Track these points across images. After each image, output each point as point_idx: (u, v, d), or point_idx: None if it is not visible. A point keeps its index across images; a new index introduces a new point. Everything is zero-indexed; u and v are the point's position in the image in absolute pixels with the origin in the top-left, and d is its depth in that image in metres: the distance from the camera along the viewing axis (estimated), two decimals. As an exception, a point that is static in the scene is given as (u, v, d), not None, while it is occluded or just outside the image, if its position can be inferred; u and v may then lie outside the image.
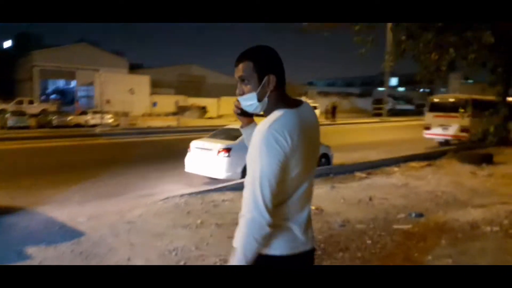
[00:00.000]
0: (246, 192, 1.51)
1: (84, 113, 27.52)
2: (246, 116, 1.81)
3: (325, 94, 47.59)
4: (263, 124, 1.49)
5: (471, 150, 12.77)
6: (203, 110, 37.48)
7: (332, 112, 34.79)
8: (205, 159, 8.66)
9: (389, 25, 10.11)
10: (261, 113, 1.65)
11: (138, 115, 31.21)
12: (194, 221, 5.77)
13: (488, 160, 10.99)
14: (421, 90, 76.68)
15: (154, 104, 36.59)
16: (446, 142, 16.06)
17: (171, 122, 28.39)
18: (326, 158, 9.90)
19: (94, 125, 25.28)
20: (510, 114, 5.32)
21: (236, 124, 10.52)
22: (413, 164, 11.04)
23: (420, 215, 5.96)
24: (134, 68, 44.33)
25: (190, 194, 7.30)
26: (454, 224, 5.40)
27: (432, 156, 12.36)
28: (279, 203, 1.51)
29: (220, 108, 39.99)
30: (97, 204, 7.03)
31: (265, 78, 1.56)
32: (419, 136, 17.81)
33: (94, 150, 15.60)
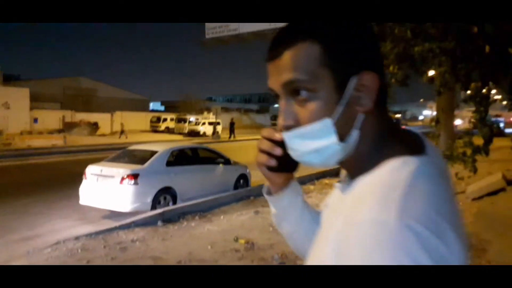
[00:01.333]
0: None
1: None
2: (283, 171, 0.85)
3: (226, 110, 47.56)
4: (372, 206, 0.58)
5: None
6: (94, 126, 34.11)
7: (230, 129, 31.66)
8: (106, 188, 7.21)
9: None
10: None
11: (15, 133, 26.95)
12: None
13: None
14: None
15: (35, 120, 32.17)
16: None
17: (57, 140, 24.99)
18: (244, 179, 9.18)
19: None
20: (491, 135, 5.20)
21: (144, 145, 9.13)
22: (326, 181, 10.96)
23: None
24: (8, 79, 38.66)
25: (89, 235, 5.86)
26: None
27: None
28: None
29: (114, 124, 36.93)
30: (-47, 259, 5.18)
31: (353, 81, 0.66)
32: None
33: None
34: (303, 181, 10.58)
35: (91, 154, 17.86)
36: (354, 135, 0.67)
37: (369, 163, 0.67)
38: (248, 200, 8.20)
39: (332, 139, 0.66)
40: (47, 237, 6.14)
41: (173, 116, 38.84)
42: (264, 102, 74.70)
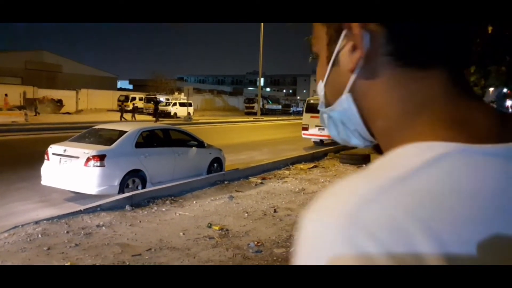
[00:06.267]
0: None
1: None
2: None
3: (198, 91, 46.47)
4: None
5: (347, 150, 13.33)
6: (58, 104, 32.55)
7: (154, 110, 27.79)
8: (70, 169, 6.73)
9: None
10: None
11: (-30, 109, 25.31)
12: (58, 263, 4.10)
13: (367, 160, 11.46)
14: (284, 91, 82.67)
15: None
16: (321, 142, 16.67)
17: (17, 117, 23.67)
18: (218, 163, 8.88)
19: None
20: None
21: (112, 124, 8.58)
22: (301, 166, 10.86)
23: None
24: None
25: (51, 219, 5.44)
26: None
27: (315, 157, 12.47)
28: None
29: (80, 102, 35.41)
30: None
31: (343, 33, 0.49)
32: (293, 136, 18.27)
33: None
34: (278, 166, 10.43)
35: (54, 132, 16.97)
36: (343, 99, 0.51)
37: (384, 149, 0.48)
38: (222, 185, 7.94)
39: (322, 105, 0.56)
40: (4, 221, 5.67)
41: (142, 95, 37.62)
42: (237, 84, 73.87)
